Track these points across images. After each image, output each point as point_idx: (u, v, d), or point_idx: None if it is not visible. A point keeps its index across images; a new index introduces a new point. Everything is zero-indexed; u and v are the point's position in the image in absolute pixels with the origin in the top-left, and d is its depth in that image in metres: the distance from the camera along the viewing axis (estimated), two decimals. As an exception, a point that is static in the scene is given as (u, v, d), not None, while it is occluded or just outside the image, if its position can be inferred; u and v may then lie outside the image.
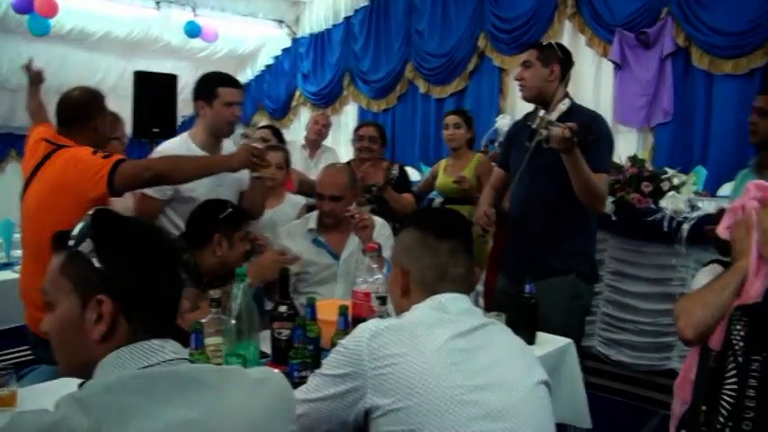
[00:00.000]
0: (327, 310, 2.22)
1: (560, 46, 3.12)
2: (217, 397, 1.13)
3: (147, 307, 1.18)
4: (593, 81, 6.12)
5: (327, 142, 7.72)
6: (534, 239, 2.99)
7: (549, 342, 2.48)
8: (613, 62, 5.90)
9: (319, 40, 8.42)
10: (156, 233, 1.28)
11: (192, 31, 7.69)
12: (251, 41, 8.83)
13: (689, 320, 1.94)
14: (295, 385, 1.65)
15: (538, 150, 2.87)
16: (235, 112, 2.97)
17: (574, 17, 6.19)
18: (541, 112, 2.81)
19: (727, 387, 1.80)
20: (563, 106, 2.93)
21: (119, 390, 1.08)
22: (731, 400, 1.79)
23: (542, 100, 2.97)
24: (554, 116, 2.82)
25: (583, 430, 2.55)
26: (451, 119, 4.30)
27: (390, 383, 1.40)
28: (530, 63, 3.00)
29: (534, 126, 2.80)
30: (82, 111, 2.87)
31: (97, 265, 1.16)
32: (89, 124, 2.86)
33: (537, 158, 2.90)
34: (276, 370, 1.48)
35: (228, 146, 3.07)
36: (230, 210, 2.65)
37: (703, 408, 1.84)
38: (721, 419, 1.78)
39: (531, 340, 2.38)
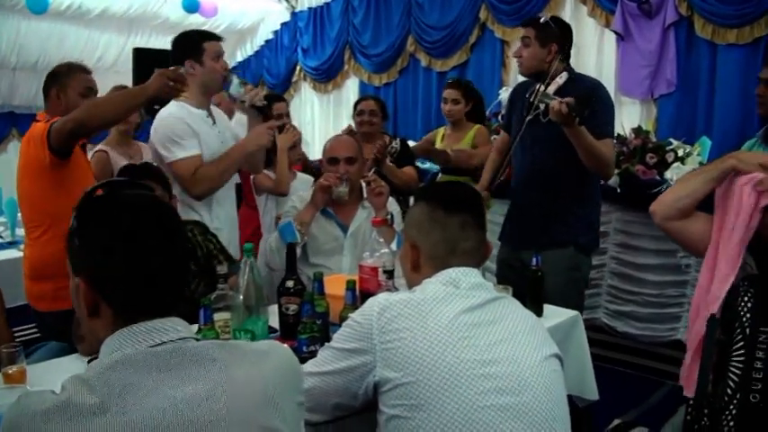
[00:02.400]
0: (335, 285, 2.23)
1: (559, 22, 3.11)
2: (223, 371, 1.13)
3: (130, 290, 1.14)
4: (596, 52, 6.06)
5: (329, 117, 7.79)
6: (533, 210, 3.03)
7: (556, 315, 2.50)
8: (616, 33, 5.84)
9: (318, 14, 8.31)
10: (152, 208, 1.21)
11: (191, 6, 7.60)
12: (250, 16, 8.73)
13: (658, 199, 2.13)
14: (304, 360, 1.67)
15: (535, 123, 2.89)
16: (224, 64, 3.00)
17: (576, -13, 6.13)
18: (539, 86, 2.82)
19: (735, 359, 1.81)
20: (560, 80, 2.94)
21: (123, 368, 1.08)
22: (738, 372, 1.80)
23: (540, 76, 2.98)
24: (551, 90, 2.85)
25: (590, 401, 2.57)
26: (450, 93, 4.25)
27: (399, 357, 1.41)
28: (528, 41, 3.01)
29: (532, 99, 2.81)
30: (52, 80, 2.92)
31: (77, 244, 1.16)
32: (56, 93, 2.90)
33: (535, 131, 2.94)
34: (284, 345, 1.49)
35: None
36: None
37: (711, 379, 1.85)
38: (729, 391, 1.79)
39: (538, 313, 2.40)
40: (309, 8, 8.40)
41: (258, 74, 9.05)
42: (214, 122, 3.06)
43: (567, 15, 6.06)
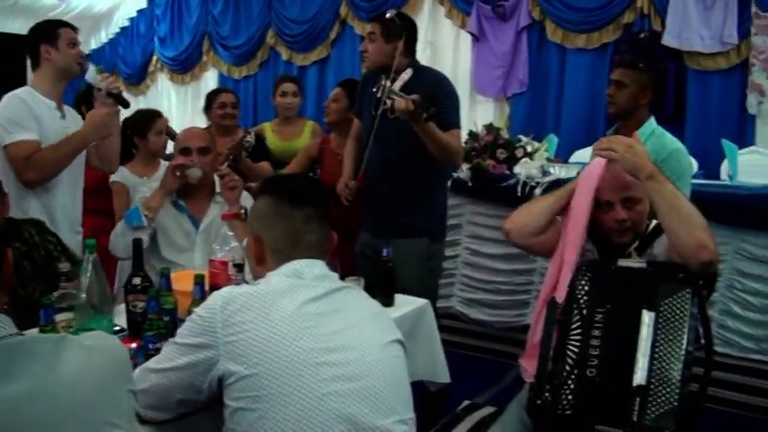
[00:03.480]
0: (183, 281, 2.17)
1: (404, 18, 3.16)
2: (50, 365, 1.09)
3: None
4: (453, 52, 6.26)
5: (187, 110, 7.59)
6: (386, 200, 3.09)
7: (407, 303, 2.54)
8: (471, 34, 6.05)
9: (176, 3, 8.05)
10: None
11: (44, -12, 7.20)
12: (105, 1, 8.33)
13: (512, 219, 2.23)
14: (150, 357, 1.61)
15: (384, 117, 2.95)
16: (80, 52, 3.00)
17: (434, -12, 6.29)
18: (385, 82, 2.88)
19: (573, 338, 1.92)
20: (405, 75, 3.00)
21: None
22: (576, 350, 1.90)
23: (385, 70, 3.01)
24: (397, 86, 2.90)
25: (442, 385, 2.65)
26: (290, 86, 4.27)
27: (242, 350, 1.40)
28: (374, 36, 3.04)
29: (379, 95, 2.86)
30: None
31: None
32: None
33: (384, 124, 2.98)
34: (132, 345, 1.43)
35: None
36: None
37: (551, 357, 1.95)
38: (567, 368, 1.89)
39: (389, 302, 2.44)
40: (167, -5, 8.13)
41: (113, 63, 8.63)
42: (63, 116, 2.99)
43: (424, 16, 6.23)
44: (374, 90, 2.94)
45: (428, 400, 2.92)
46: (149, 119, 3.69)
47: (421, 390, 2.61)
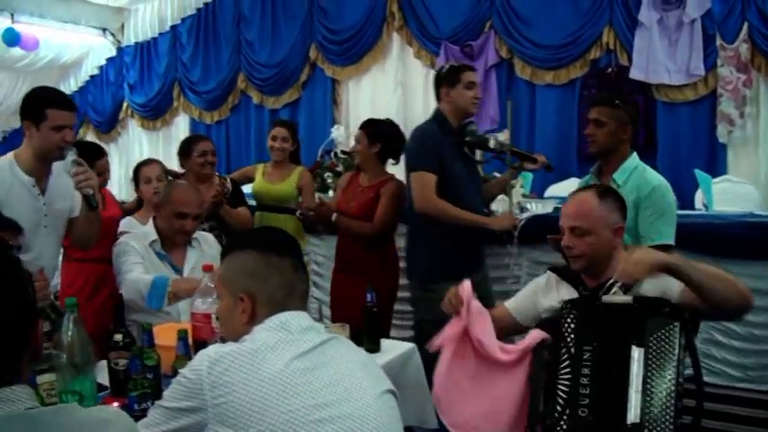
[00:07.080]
0: (166, 335, 2.13)
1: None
2: None
3: None
4: (423, 91, 6.31)
5: (159, 156, 7.54)
6: (479, 237, 3.34)
7: (392, 348, 2.52)
8: (441, 74, 6.13)
9: (145, 49, 8.12)
10: None
11: (11, 38, 7.13)
12: (74, 50, 8.34)
13: None
14: (136, 419, 1.57)
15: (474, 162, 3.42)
16: (65, 136, 2.64)
17: (401, 30, 6.37)
18: (501, 138, 3.38)
19: (562, 377, 1.91)
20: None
21: None
22: (566, 389, 1.89)
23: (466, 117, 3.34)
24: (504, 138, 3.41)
25: (430, 430, 2.61)
26: (280, 131, 4.23)
27: (231, 412, 1.36)
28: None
29: (494, 147, 3.32)
30: None
31: None
32: None
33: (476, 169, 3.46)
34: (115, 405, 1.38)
35: (57, 168, 2.77)
36: None
37: (542, 398, 1.93)
38: (559, 408, 1.88)
39: (375, 348, 2.42)
40: (136, 43, 8.18)
41: (82, 111, 8.61)
42: (41, 193, 2.74)
43: (394, 57, 6.33)
44: (467, 138, 3.28)
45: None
46: (136, 170, 3.75)
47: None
